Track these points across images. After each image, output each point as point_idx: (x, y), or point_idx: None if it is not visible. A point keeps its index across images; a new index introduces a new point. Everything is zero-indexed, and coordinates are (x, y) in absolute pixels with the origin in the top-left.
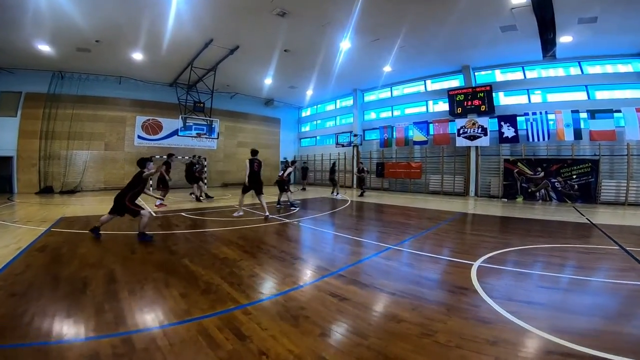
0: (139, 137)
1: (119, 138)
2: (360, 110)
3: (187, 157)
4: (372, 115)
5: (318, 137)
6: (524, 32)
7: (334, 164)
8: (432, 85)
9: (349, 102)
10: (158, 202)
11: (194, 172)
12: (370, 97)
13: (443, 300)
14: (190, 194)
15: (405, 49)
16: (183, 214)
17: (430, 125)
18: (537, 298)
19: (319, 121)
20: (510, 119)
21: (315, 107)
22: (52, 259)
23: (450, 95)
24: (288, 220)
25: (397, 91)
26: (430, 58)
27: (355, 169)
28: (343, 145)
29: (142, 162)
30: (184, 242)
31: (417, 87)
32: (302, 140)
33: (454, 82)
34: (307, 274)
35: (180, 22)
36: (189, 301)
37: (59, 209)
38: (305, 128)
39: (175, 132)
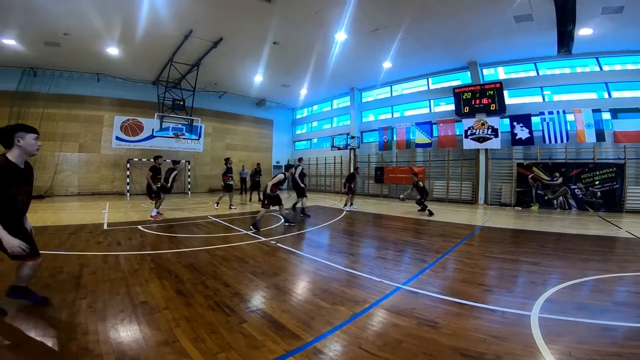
0: (118, 138)
1: (94, 139)
2: (357, 111)
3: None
4: (371, 117)
5: (314, 140)
6: (540, 23)
7: (356, 168)
8: (435, 84)
9: (346, 102)
10: (154, 212)
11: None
12: (368, 98)
13: None
14: None
15: (408, 42)
16: (140, 227)
17: (434, 126)
18: None
19: (315, 123)
20: (524, 119)
21: (311, 108)
22: None
23: (456, 93)
24: (263, 239)
25: (397, 92)
26: (434, 52)
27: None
28: (339, 148)
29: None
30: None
31: (419, 87)
32: (296, 143)
33: (457, 82)
34: (259, 347)
35: (154, 11)
36: None
37: None
38: (301, 130)
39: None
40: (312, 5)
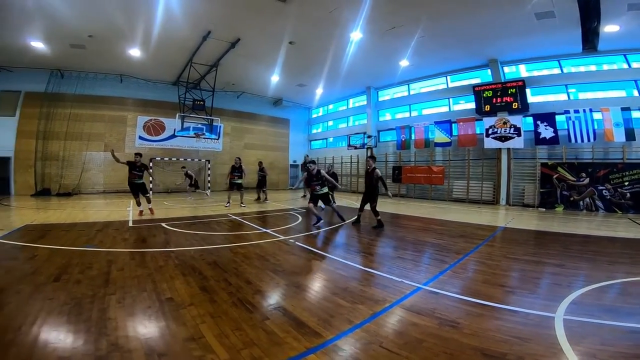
0: (141, 137)
1: (119, 139)
2: (374, 110)
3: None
4: (387, 116)
5: (330, 139)
6: (563, 20)
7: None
8: (454, 82)
9: (362, 102)
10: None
11: None
12: (385, 97)
13: None
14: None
15: (425, 40)
16: (163, 224)
17: (454, 125)
18: None
19: (330, 122)
20: (548, 118)
21: (327, 107)
22: None
23: (476, 91)
24: (282, 237)
25: (414, 90)
26: (453, 51)
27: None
28: (356, 147)
29: None
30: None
31: (437, 85)
32: (312, 142)
33: (476, 80)
34: (280, 344)
35: (173, 13)
36: None
37: (35, 214)
38: (316, 129)
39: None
40: (326, 5)
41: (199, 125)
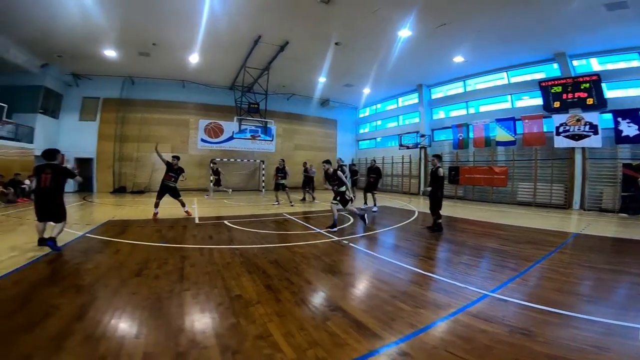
0: (202, 140)
1: (183, 141)
2: (427, 108)
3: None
4: (441, 114)
5: (378, 139)
6: (637, 11)
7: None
8: (515, 77)
9: (413, 100)
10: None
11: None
12: (437, 94)
13: None
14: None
15: (480, 36)
16: (226, 222)
17: (518, 122)
18: None
19: (379, 122)
20: (631, 114)
21: (375, 106)
22: (49, 276)
23: (543, 87)
24: (336, 238)
25: (470, 87)
26: (513, 45)
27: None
28: (408, 147)
29: None
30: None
31: (496, 81)
32: (360, 142)
33: (540, 74)
34: (342, 345)
35: (226, 20)
36: None
37: (114, 210)
38: (364, 129)
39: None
40: (369, 5)
41: (254, 127)
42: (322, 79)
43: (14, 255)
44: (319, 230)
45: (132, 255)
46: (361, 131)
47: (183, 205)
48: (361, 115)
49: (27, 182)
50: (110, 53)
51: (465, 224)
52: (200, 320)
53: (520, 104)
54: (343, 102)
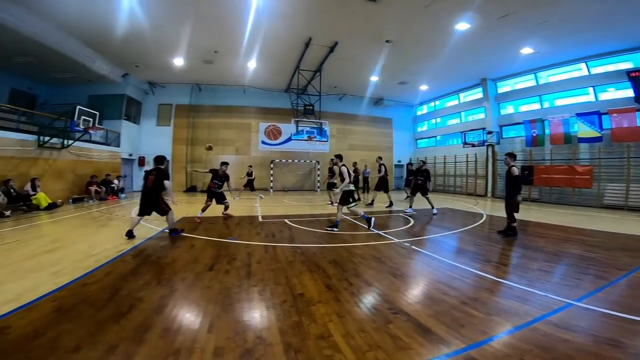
0: (263, 142)
1: (246, 143)
2: (493, 103)
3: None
4: (509, 109)
5: (438, 137)
6: None
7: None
8: (596, 67)
9: (476, 95)
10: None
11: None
12: (504, 88)
13: None
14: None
15: (551, 25)
16: (286, 220)
17: (605, 116)
18: None
19: (438, 119)
20: None
21: (433, 103)
22: (134, 269)
23: (633, 77)
24: (397, 240)
25: (542, 79)
26: (590, 34)
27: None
28: (473, 145)
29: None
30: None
31: (572, 72)
32: (418, 141)
33: (627, 64)
34: (405, 349)
35: (277, 25)
36: None
37: (187, 208)
38: (422, 127)
39: (290, 137)
40: (419, 1)
41: (310, 129)
42: (374, 78)
43: (107, 248)
44: (376, 232)
45: (205, 250)
46: (419, 129)
47: (226, 208)
48: (419, 113)
49: (115, 181)
50: (178, 62)
51: (542, 228)
52: (266, 317)
53: (605, 96)
54: (398, 100)
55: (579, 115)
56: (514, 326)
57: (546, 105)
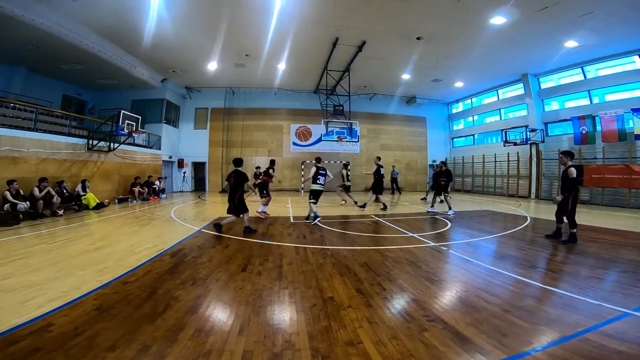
0: (294, 143)
1: (278, 145)
2: (537, 99)
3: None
4: (554, 105)
5: (476, 136)
6: None
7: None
8: None
9: (517, 91)
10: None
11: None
12: (548, 83)
13: None
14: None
15: (597, 16)
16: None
17: None
18: None
19: (475, 117)
20: None
21: (469, 100)
22: (172, 268)
23: None
24: (433, 244)
25: (590, 73)
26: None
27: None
28: (515, 144)
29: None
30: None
31: (623, 65)
32: (454, 140)
33: None
34: (441, 358)
35: (304, 26)
36: None
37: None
38: (458, 126)
39: (321, 138)
40: None
41: (339, 129)
42: (405, 76)
43: (147, 247)
44: (411, 234)
45: (239, 250)
46: (455, 128)
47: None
48: (454, 111)
49: (157, 183)
50: (212, 66)
51: (595, 232)
52: (296, 321)
53: None
54: (432, 98)
55: (634, 110)
56: (563, 336)
57: (596, 100)
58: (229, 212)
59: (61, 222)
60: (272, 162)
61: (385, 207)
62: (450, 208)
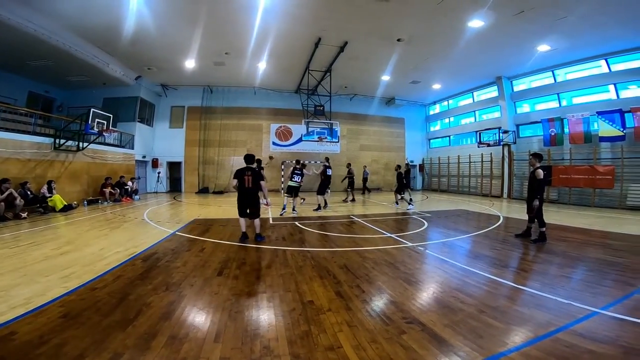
0: (274, 143)
1: (257, 144)
2: (509, 102)
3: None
4: (525, 107)
5: (452, 137)
6: None
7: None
8: (617, 64)
9: (491, 93)
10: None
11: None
12: (520, 86)
13: None
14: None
15: (569, 21)
16: (297, 223)
17: (628, 114)
18: None
19: (451, 118)
20: None
21: (446, 102)
22: (143, 273)
23: None
24: (410, 244)
25: (560, 77)
26: (613, 30)
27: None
28: (489, 145)
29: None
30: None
31: (591, 69)
32: (431, 140)
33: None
34: (421, 359)
35: (286, 25)
36: None
37: (199, 210)
38: (435, 127)
39: (301, 138)
40: None
41: (320, 129)
42: (385, 77)
43: (118, 251)
44: (389, 235)
45: (215, 254)
46: (432, 129)
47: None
48: (431, 113)
49: (129, 183)
50: (190, 64)
51: (563, 231)
52: (275, 326)
53: (626, 94)
54: (410, 99)
55: (599, 113)
56: (536, 336)
57: (564, 103)
58: (252, 216)
59: (25, 226)
60: (259, 162)
61: (318, 208)
62: (410, 203)
